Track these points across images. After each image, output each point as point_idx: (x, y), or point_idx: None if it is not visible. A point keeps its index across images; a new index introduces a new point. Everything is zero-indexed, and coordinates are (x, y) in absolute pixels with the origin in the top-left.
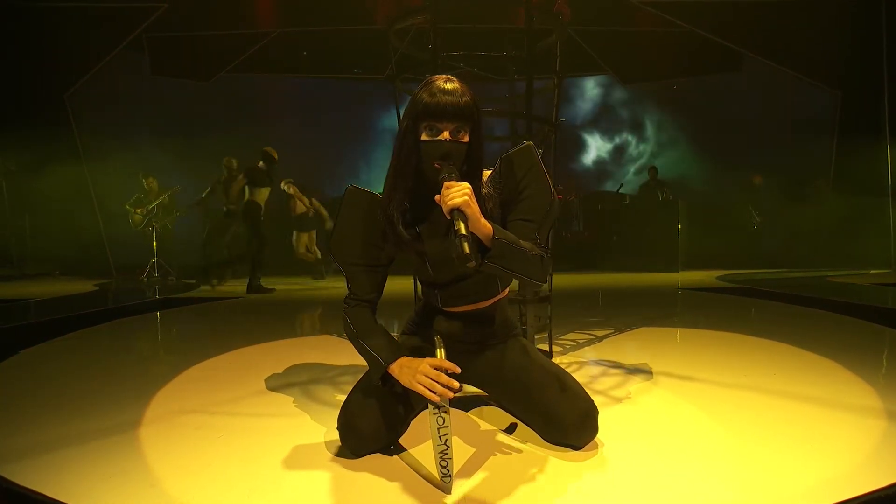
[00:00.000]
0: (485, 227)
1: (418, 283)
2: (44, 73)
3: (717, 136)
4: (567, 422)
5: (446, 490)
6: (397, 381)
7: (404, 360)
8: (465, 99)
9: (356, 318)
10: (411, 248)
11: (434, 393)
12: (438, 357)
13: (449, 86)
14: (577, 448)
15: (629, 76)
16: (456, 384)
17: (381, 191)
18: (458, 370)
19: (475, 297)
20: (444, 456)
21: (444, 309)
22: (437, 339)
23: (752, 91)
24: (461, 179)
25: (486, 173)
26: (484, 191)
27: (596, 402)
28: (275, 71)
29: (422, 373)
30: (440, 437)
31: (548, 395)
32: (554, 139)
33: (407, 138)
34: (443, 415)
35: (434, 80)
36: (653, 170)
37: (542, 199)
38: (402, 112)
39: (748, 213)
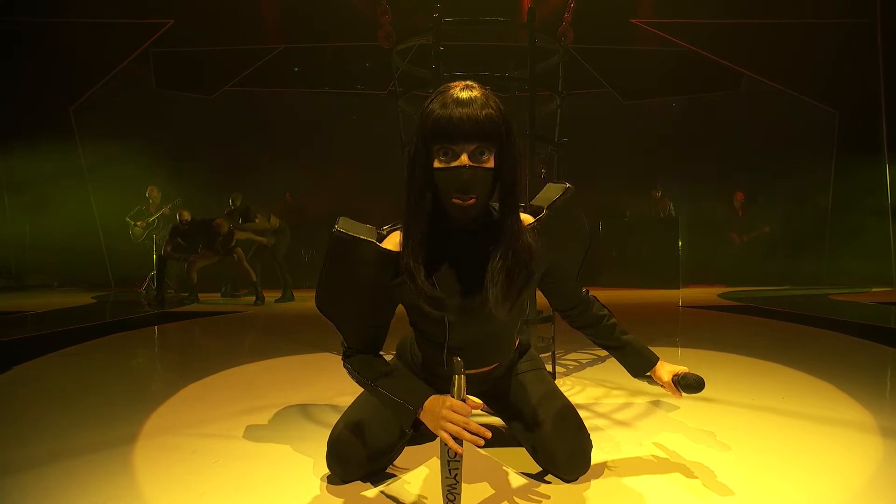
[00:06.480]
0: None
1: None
2: (50, 86)
3: (716, 153)
4: (558, 456)
5: None
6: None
7: (429, 402)
8: (486, 111)
9: (362, 365)
10: (432, 303)
11: (459, 443)
12: (457, 387)
13: (465, 94)
14: (567, 482)
15: (629, 93)
16: (488, 434)
17: (373, 224)
18: (481, 404)
19: (490, 360)
20: (451, 489)
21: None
22: (456, 361)
23: (750, 109)
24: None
25: (527, 218)
26: (527, 237)
27: (599, 424)
28: (278, 86)
29: (445, 418)
30: (450, 469)
31: (541, 425)
32: (557, 158)
33: (416, 166)
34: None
35: (449, 88)
36: (656, 185)
37: (582, 251)
38: (405, 133)
39: (728, 234)
